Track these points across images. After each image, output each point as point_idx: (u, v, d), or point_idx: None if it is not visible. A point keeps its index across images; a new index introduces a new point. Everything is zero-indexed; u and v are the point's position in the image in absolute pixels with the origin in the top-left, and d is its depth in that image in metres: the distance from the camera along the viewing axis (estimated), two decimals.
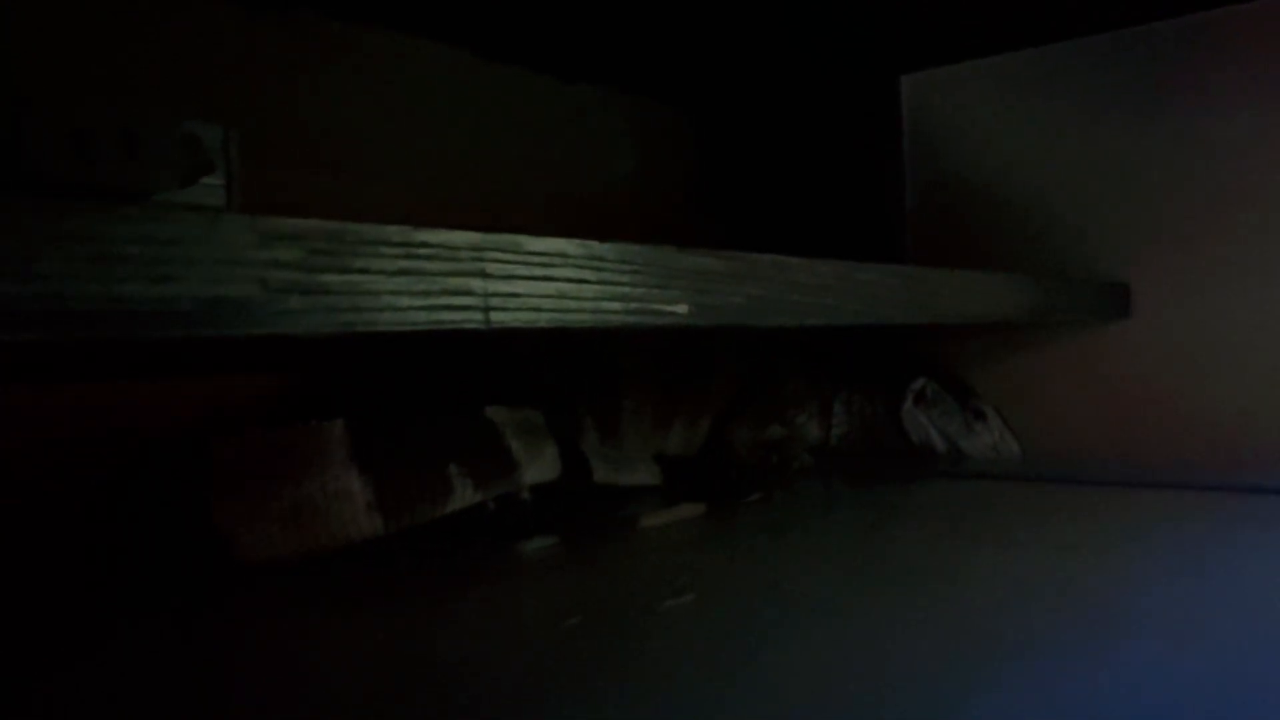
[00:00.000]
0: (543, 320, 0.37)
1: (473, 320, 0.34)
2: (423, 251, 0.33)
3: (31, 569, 0.60)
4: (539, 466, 0.66)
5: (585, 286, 0.38)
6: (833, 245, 0.52)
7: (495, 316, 0.35)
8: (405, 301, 0.33)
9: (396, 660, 0.44)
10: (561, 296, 0.37)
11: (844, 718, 0.36)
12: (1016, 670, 0.39)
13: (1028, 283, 0.68)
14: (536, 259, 0.36)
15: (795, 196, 1.08)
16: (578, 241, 0.37)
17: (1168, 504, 0.72)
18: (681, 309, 0.42)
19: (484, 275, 0.35)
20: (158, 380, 0.67)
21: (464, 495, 0.62)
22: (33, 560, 0.61)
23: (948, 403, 0.84)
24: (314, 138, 0.77)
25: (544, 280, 0.36)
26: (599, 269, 0.38)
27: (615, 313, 0.39)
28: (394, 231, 0.32)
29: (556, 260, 0.37)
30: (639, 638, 0.46)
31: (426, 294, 0.33)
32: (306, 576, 0.57)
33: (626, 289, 0.39)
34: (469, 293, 0.34)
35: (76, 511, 0.63)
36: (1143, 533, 0.64)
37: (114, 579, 0.59)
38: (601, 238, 0.39)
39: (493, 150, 0.89)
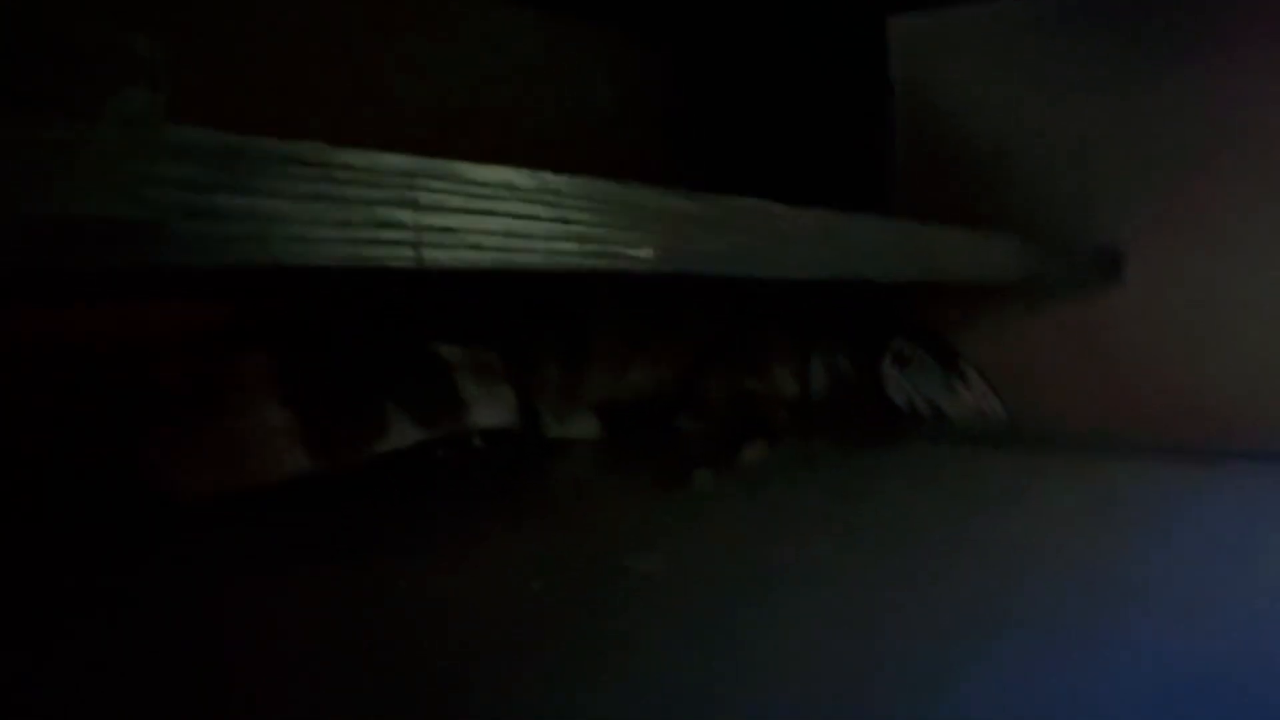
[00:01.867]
0: (486, 260, 0.32)
1: (401, 257, 0.30)
2: (342, 175, 0.28)
3: None
4: (492, 410, 0.62)
5: (536, 224, 0.33)
6: (816, 195, 0.47)
7: (429, 254, 0.30)
8: (319, 232, 0.28)
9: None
10: (508, 234, 0.33)
11: (828, 686, 0.34)
12: (1002, 639, 0.38)
13: (1022, 244, 0.65)
14: (479, 189, 0.31)
15: (778, 142, 1.02)
16: (528, 172, 0.32)
17: (1155, 469, 0.70)
18: (646, 253, 0.38)
19: (416, 206, 0.30)
20: (83, 307, 0.62)
21: (403, 434, 0.57)
22: None
23: (927, 363, 0.81)
24: (265, 63, 0.70)
25: (487, 214, 0.32)
26: (553, 205, 0.34)
27: (570, 254, 0.35)
28: (308, 149, 0.27)
29: (503, 192, 0.32)
30: (610, 600, 0.43)
31: (345, 224, 0.28)
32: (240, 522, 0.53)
33: (584, 228, 0.35)
34: (398, 225, 0.30)
35: None
36: (1131, 498, 0.63)
37: (38, 528, 0.55)
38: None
39: (458, 81, 0.83)
